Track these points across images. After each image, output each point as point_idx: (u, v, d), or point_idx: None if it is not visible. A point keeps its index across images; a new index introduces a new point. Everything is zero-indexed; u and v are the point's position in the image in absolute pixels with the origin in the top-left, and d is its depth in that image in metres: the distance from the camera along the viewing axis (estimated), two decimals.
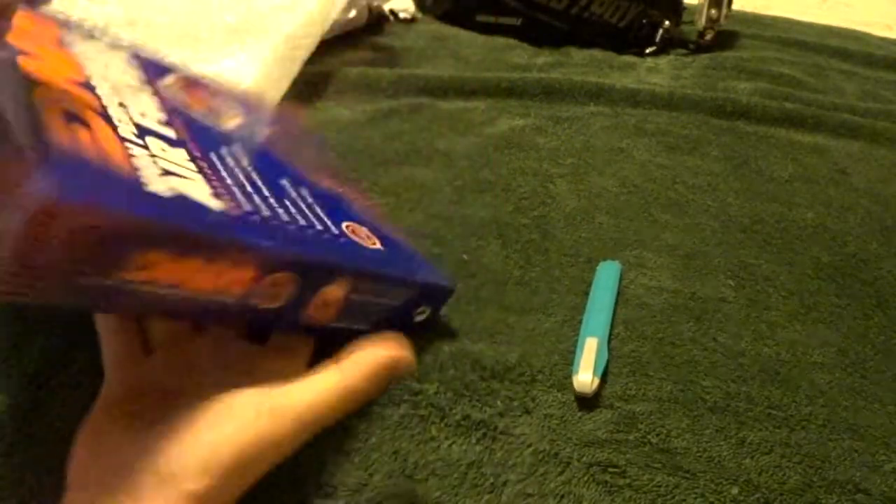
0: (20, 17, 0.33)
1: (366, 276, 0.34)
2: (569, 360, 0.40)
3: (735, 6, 0.86)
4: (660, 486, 0.34)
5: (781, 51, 0.86)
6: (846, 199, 0.58)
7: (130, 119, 0.30)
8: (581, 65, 0.77)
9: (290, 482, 0.33)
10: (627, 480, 0.35)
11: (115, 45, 0.36)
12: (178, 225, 0.26)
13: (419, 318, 0.40)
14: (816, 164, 0.63)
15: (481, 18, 0.83)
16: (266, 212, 0.31)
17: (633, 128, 0.66)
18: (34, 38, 0.31)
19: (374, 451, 0.34)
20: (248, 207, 0.30)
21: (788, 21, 0.98)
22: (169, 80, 0.37)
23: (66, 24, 0.35)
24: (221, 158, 0.33)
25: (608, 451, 0.36)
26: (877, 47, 0.90)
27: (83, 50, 0.33)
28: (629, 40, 0.82)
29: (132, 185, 0.25)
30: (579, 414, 0.38)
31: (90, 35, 0.35)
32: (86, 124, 0.26)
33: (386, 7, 0.82)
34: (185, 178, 0.28)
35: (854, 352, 0.44)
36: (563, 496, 0.33)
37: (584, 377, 0.38)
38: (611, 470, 0.35)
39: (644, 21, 0.81)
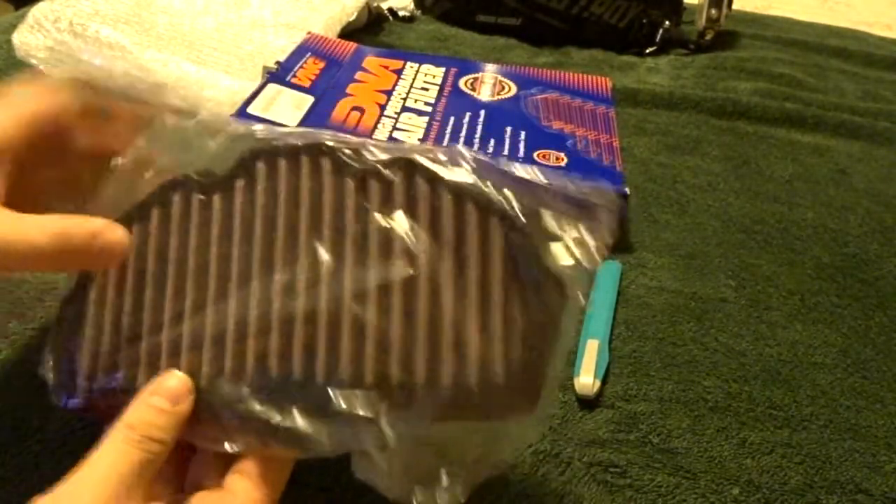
0: (371, 63, 0.61)
1: (519, 181, 0.48)
2: (570, 361, 0.40)
3: (735, 6, 0.86)
4: (660, 487, 0.34)
5: (781, 51, 0.86)
6: (846, 199, 0.58)
7: (402, 103, 0.55)
8: (581, 65, 0.77)
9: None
10: (628, 480, 0.35)
11: (440, 62, 0.63)
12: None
13: None
14: (816, 164, 0.63)
15: (481, 18, 0.83)
16: (458, 143, 0.51)
17: (634, 127, 0.66)
18: (379, 73, 0.59)
19: None
20: (443, 142, 0.51)
21: (789, 21, 0.98)
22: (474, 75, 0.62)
23: (406, 59, 0.62)
24: (458, 118, 0.54)
25: (609, 451, 0.36)
26: (877, 47, 0.90)
27: (409, 74, 0.60)
28: (629, 40, 0.82)
29: (361, 135, 0.49)
30: (580, 414, 0.38)
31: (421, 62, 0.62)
32: (361, 111, 0.53)
33: (384, 5, 0.82)
34: (406, 131, 0.52)
35: (855, 352, 0.44)
36: (563, 496, 0.33)
37: (586, 380, 0.38)
38: (612, 470, 0.35)
39: (644, 21, 0.81)
